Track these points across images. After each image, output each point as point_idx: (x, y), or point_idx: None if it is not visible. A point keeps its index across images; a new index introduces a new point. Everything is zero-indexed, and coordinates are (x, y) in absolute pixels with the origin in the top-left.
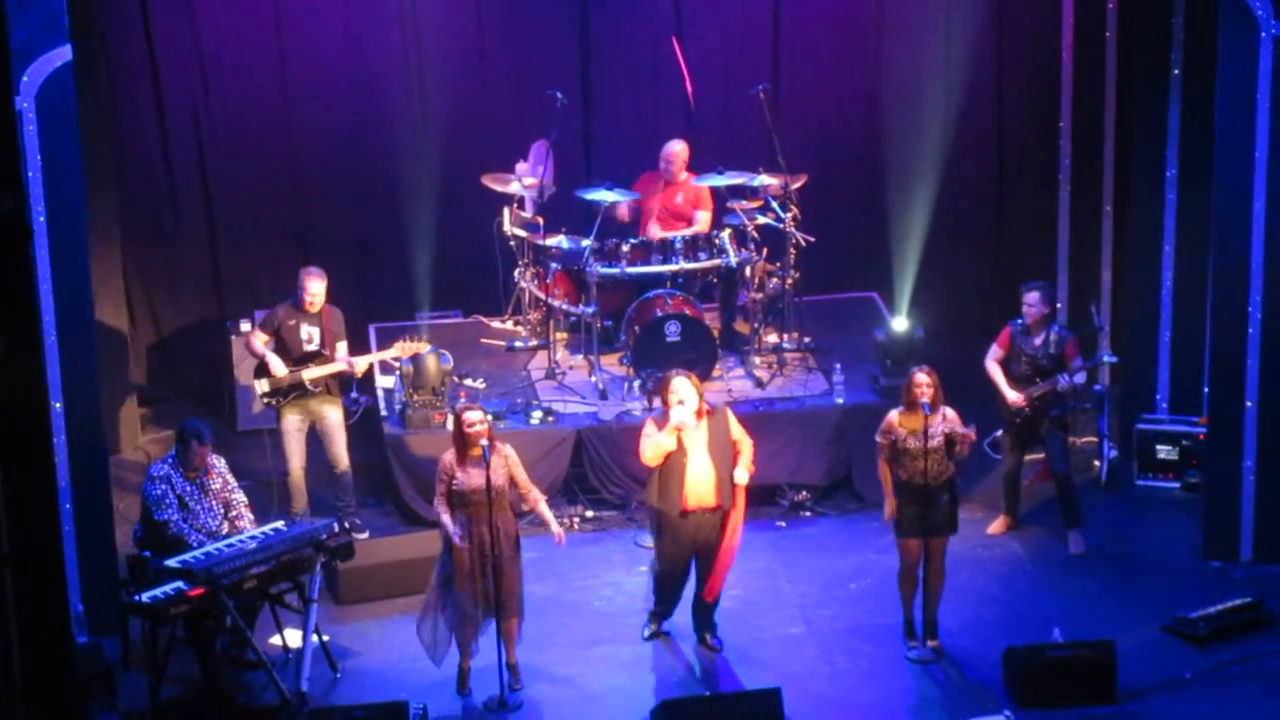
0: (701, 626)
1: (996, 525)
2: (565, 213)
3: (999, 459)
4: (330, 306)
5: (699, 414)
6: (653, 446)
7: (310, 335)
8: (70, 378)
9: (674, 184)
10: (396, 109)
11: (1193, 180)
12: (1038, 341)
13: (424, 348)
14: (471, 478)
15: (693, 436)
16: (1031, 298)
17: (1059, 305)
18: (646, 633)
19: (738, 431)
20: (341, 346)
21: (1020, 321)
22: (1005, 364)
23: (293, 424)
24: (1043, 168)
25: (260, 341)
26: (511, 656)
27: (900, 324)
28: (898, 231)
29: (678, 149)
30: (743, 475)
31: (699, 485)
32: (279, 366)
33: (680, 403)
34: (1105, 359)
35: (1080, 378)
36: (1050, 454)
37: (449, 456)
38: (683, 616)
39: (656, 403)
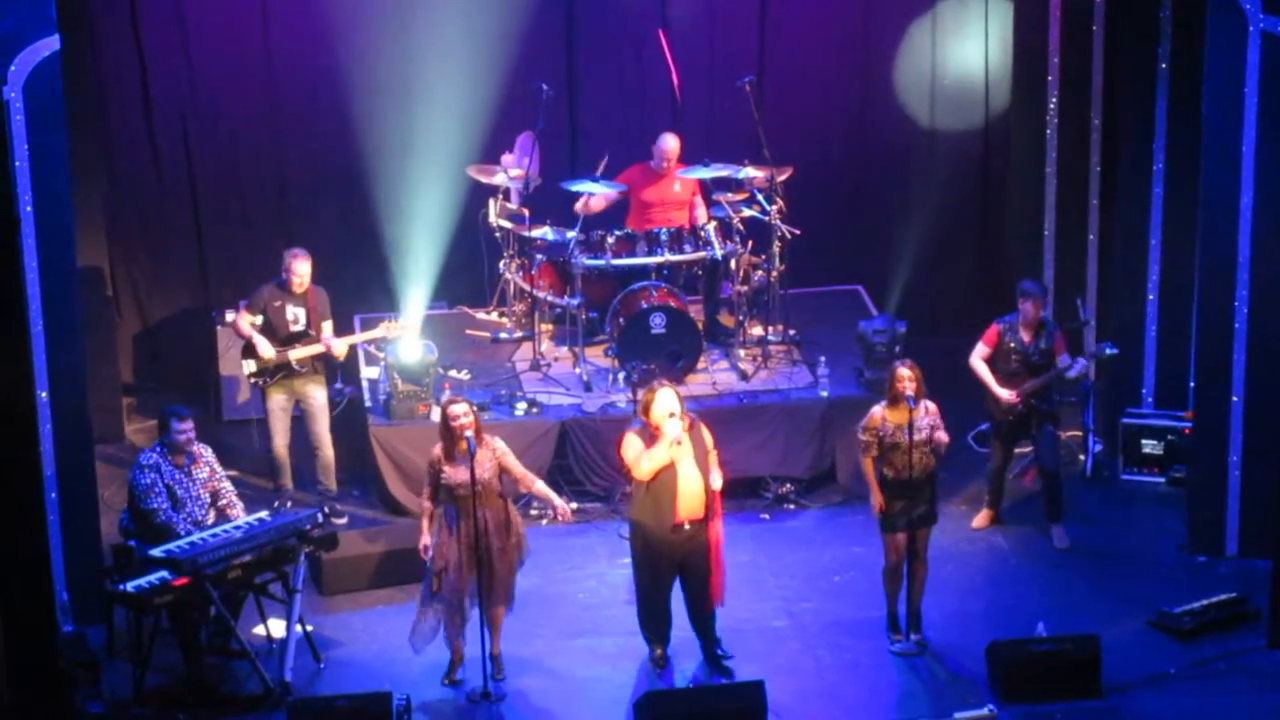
0: (707, 642)
1: (980, 519)
2: (551, 204)
3: (983, 453)
4: (315, 287)
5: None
6: (648, 460)
7: (296, 316)
8: (56, 367)
9: (666, 174)
10: (383, 99)
11: (1180, 174)
12: (1027, 338)
13: (405, 330)
14: (459, 472)
15: (680, 449)
16: (1027, 306)
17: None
18: (656, 654)
19: (709, 441)
20: (327, 326)
21: (1010, 319)
22: (992, 361)
23: (278, 403)
24: (1029, 162)
25: (247, 323)
26: (495, 647)
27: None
28: (883, 224)
29: (673, 144)
30: (718, 480)
31: (691, 498)
32: (266, 348)
33: (671, 415)
34: (1107, 351)
35: (1081, 366)
36: (1040, 450)
37: (438, 450)
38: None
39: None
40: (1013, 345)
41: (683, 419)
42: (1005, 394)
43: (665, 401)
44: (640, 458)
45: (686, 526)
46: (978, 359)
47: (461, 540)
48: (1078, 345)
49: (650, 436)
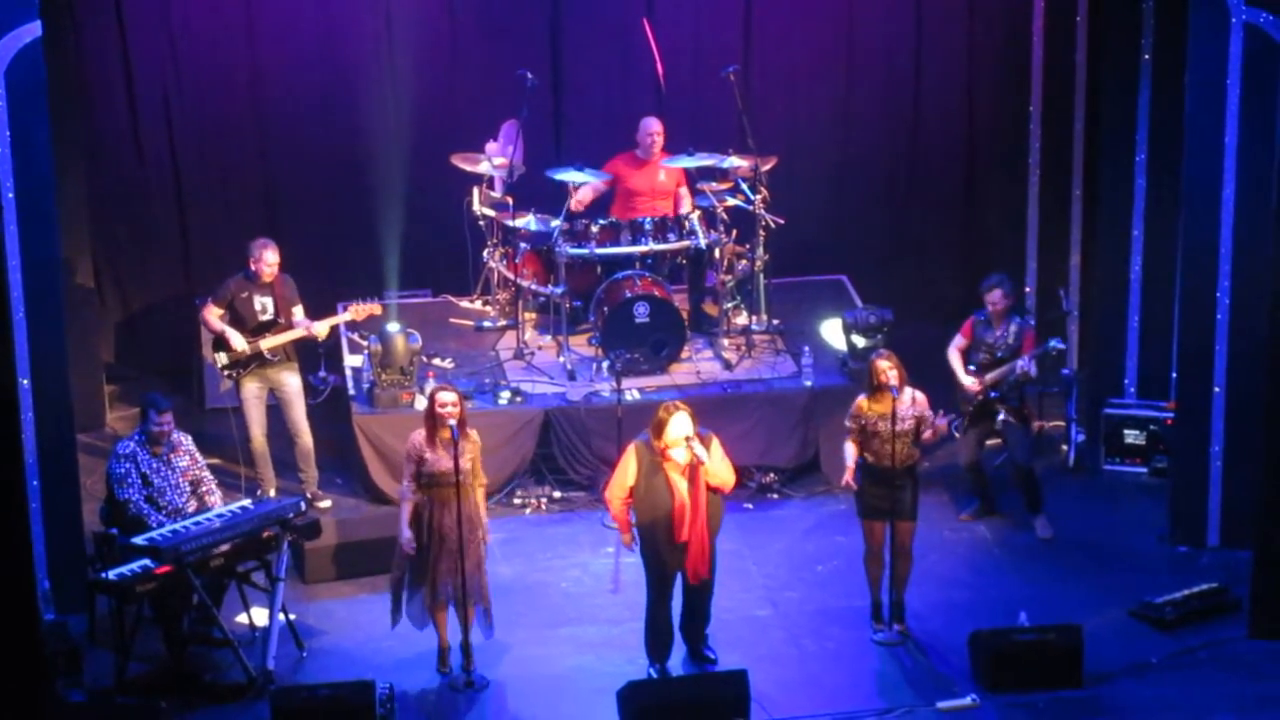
0: (694, 639)
1: (971, 512)
2: (535, 193)
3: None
4: (281, 274)
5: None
6: (610, 506)
7: (264, 305)
8: (38, 354)
9: (652, 162)
10: (367, 87)
11: (1162, 166)
12: (998, 332)
13: (376, 309)
14: (441, 460)
15: (682, 469)
16: (993, 296)
17: (1028, 290)
18: (654, 673)
19: (718, 456)
20: (298, 311)
21: (983, 313)
22: (967, 353)
23: (251, 392)
24: (1012, 152)
25: (215, 316)
26: (464, 637)
27: (833, 329)
28: (868, 214)
29: (657, 125)
30: (701, 451)
31: (688, 520)
32: (238, 340)
33: (687, 439)
34: (1053, 346)
35: (1030, 364)
36: (1009, 446)
37: (418, 437)
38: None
39: (626, 384)
40: (984, 339)
41: (689, 451)
42: (968, 381)
43: (679, 426)
44: (615, 505)
45: (690, 542)
46: (953, 350)
47: (435, 529)
48: (1063, 335)
49: (654, 456)
